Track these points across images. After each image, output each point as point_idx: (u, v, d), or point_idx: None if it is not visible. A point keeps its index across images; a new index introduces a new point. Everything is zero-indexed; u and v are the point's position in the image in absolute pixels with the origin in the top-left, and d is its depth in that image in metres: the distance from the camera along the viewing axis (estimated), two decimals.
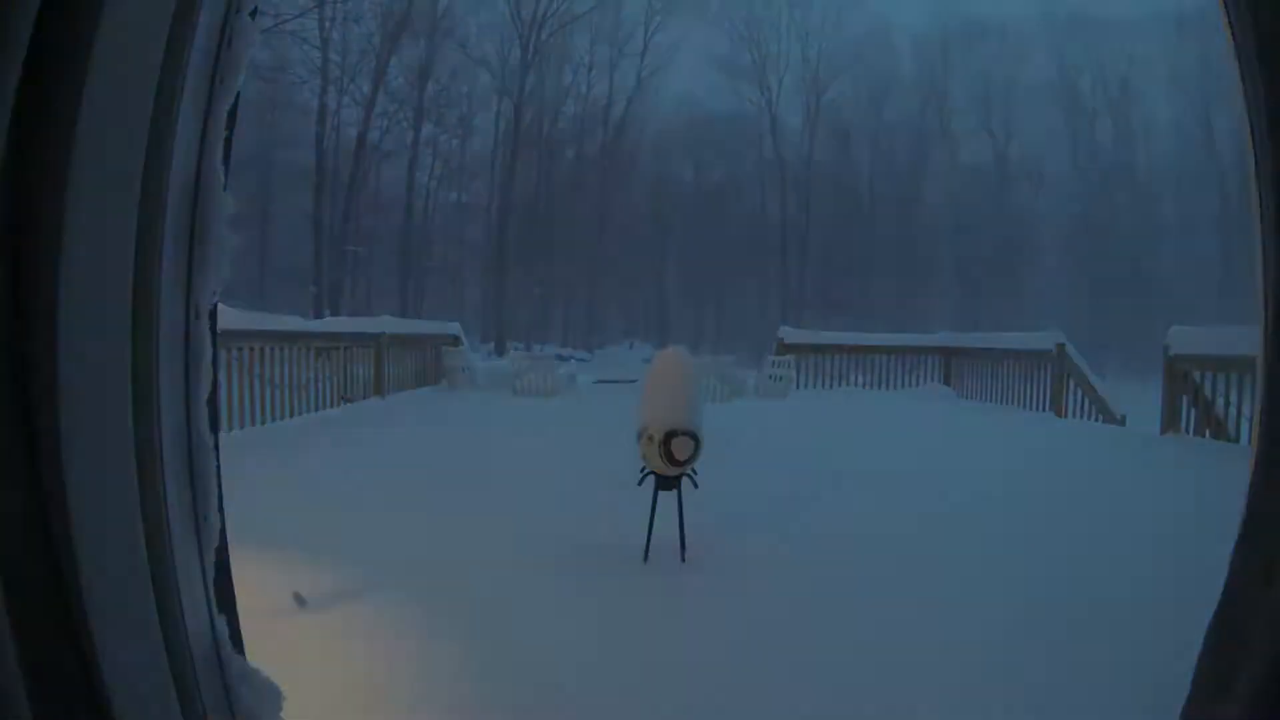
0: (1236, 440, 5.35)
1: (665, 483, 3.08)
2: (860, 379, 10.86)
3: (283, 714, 1.05)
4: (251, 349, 5.45)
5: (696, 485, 3.13)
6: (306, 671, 1.46)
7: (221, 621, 1.02)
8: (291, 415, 6.03)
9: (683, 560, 2.96)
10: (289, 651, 1.50)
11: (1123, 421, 7.54)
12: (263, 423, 5.52)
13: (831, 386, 10.66)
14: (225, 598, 1.04)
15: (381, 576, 2.61)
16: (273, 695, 1.04)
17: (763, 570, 2.91)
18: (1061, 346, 8.12)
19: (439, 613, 2.34)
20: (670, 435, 2.94)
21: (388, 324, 8.76)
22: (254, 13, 1.02)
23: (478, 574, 2.69)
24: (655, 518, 3.03)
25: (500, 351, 23.14)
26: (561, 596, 2.56)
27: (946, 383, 10.52)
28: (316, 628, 2.18)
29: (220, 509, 1.02)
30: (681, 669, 2.02)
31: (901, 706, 1.82)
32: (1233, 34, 0.69)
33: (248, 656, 1.05)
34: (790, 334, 11.05)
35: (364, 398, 7.76)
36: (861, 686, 1.91)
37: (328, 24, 23.73)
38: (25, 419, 0.79)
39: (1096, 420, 7.72)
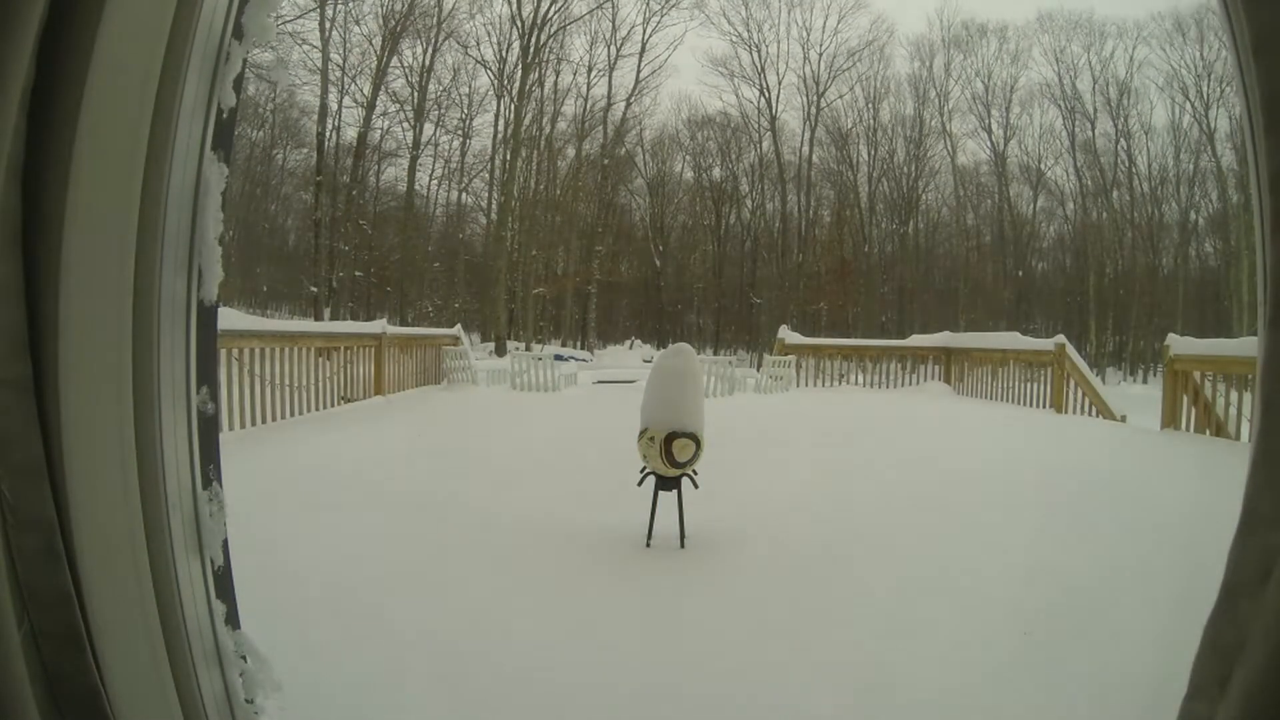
0: (1237, 439, 5.35)
1: (665, 483, 3.08)
2: (861, 378, 10.85)
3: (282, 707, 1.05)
4: (251, 349, 5.44)
5: (697, 486, 3.13)
6: None
7: (223, 621, 1.02)
8: (292, 415, 6.01)
9: (681, 546, 3.04)
10: None
11: (1123, 421, 7.54)
12: (264, 421, 5.51)
13: (831, 385, 10.66)
14: (228, 597, 1.05)
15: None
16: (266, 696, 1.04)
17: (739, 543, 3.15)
18: (1062, 346, 8.11)
19: None
20: (672, 437, 2.94)
21: (388, 325, 8.75)
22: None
23: None
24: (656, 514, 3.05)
25: (500, 351, 23.12)
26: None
27: (947, 382, 10.50)
28: None
29: (220, 504, 1.02)
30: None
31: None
32: (1231, 30, 0.69)
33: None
34: (790, 334, 11.04)
35: (365, 397, 7.75)
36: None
37: (329, 25, 23.77)
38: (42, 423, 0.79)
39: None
